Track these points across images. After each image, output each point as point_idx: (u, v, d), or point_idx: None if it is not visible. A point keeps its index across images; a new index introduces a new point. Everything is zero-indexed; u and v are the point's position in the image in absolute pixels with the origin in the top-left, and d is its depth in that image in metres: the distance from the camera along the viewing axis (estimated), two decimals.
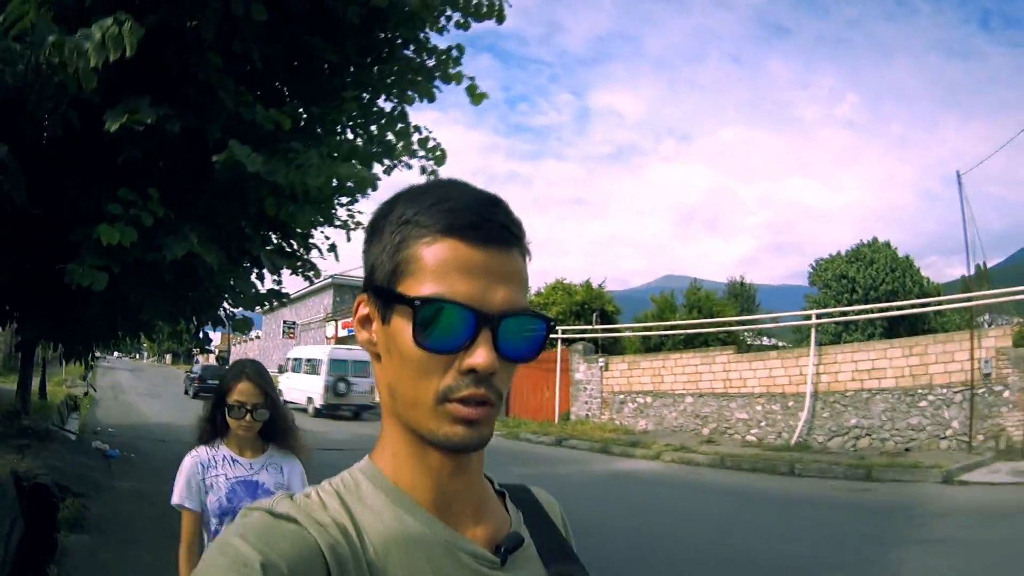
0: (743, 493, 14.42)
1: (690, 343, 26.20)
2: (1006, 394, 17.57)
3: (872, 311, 27.81)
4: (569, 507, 1.28)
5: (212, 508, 3.44)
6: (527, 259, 1.05)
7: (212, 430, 3.58)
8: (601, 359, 26.31)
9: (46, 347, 21.10)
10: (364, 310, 1.05)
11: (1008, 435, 17.35)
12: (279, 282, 9.35)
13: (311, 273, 9.93)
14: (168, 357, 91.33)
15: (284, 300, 9.47)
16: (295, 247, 9.63)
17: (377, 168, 8.48)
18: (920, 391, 18.76)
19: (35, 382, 21.17)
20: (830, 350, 21.51)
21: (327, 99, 7.40)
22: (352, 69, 7.72)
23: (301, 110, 6.97)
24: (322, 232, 9.88)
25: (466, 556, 1.01)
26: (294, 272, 9.81)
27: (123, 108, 5.08)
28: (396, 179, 11.48)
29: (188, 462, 3.51)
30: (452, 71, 8.10)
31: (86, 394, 26.08)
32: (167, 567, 3.44)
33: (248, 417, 3.46)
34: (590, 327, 27.73)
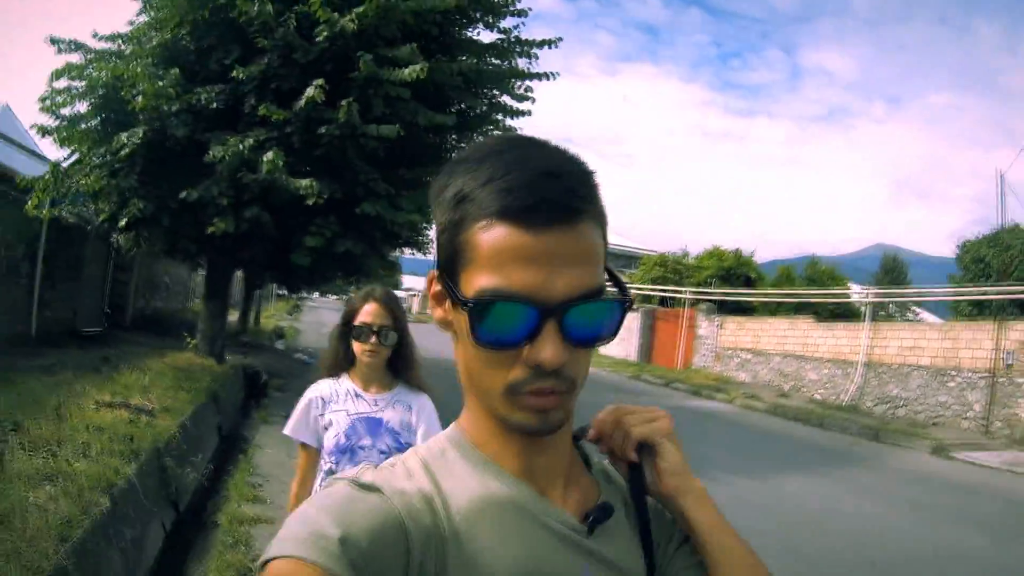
0: (762, 430, 19.06)
1: (803, 309, 31.26)
2: None
3: (926, 293, 32.69)
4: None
5: (329, 446, 3.56)
6: (602, 223, 1.06)
7: (337, 361, 3.72)
8: (717, 318, 32.31)
9: (262, 288, 31.95)
10: (437, 287, 1.10)
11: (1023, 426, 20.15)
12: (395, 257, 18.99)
13: (421, 250, 19.17)
14: None
15: (393, 267, 20.45)
16: (418, 234, 17.93)
17: None
18: (951, 372, 22.54)
19: (251, 316, 31.19)
20: (883, 326, 26.11)
21: (423, 162, 15.01)
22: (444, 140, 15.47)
23: (405, 171, 14.38)
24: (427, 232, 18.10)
25: (554, 523, 1.10)
26: (416, 251, 19.13)
27: (314, 187, 12.41)
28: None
29: (308, 395, 3.70)
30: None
31: (295, 308, 34.99)
32: None
33: (374, 339, 3.53)
34: (718, 291, 33.71)
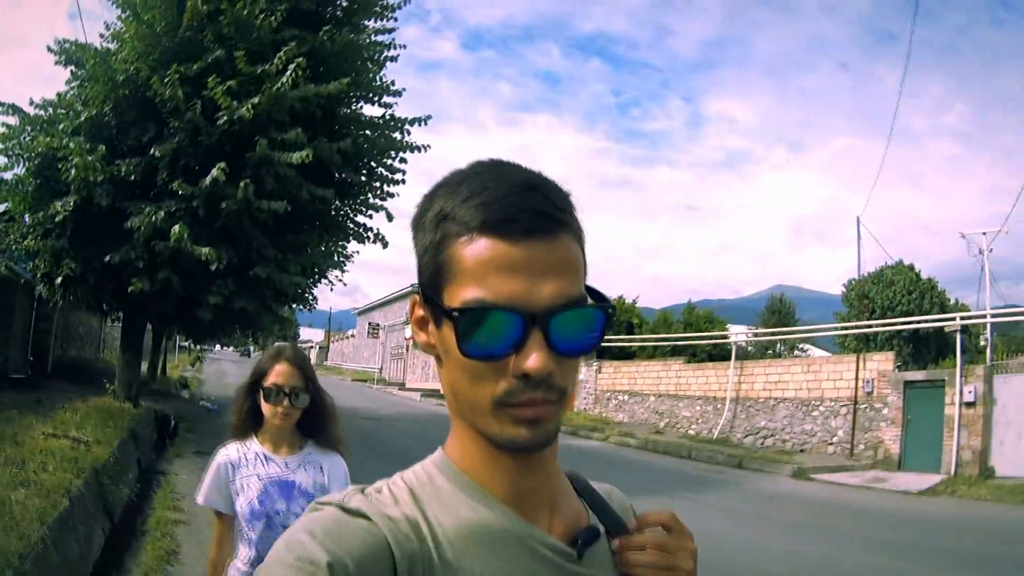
0: (632, 464, 21.27)
1: (680, 352, 33.96)
2: (885, 411, 23.03)
3: (791, 332, 35.69)
4: None
5: (243, 512, 3.51)
6: (580, 238, 1.10)
7: (245, 421, 3.66)
8: (595, 363, 34.78)
9: (169, 339, 34.59)
10: (419, 312, 1.14)
11: (886, 447, 22.62)
12: (282, 315, 21.42)
13: (307, 306, 21.39)
14: None
15: (285, 323, 22.28)
16: (304, 293, 20.28)
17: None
18: (814, 402, 25.28)
19: (159, 366, 33.88)
20: (749, 364, 28.98)
21: (307, 228, 17.77)
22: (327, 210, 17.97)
23: (292, 237, 16.91)
24: (310, 290, 20.69)
25: (543, 548, 1.11)
26: (304, 308, 21.30)
27: (214, 254, 14.82)
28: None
29: (216, 462, 3.62)
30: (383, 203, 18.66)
31: (198, 360, 37.13)
32: None
33: (286, 402, 3.49)
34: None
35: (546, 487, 1.17)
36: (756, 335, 37.39)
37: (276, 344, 4.17)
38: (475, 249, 1.01)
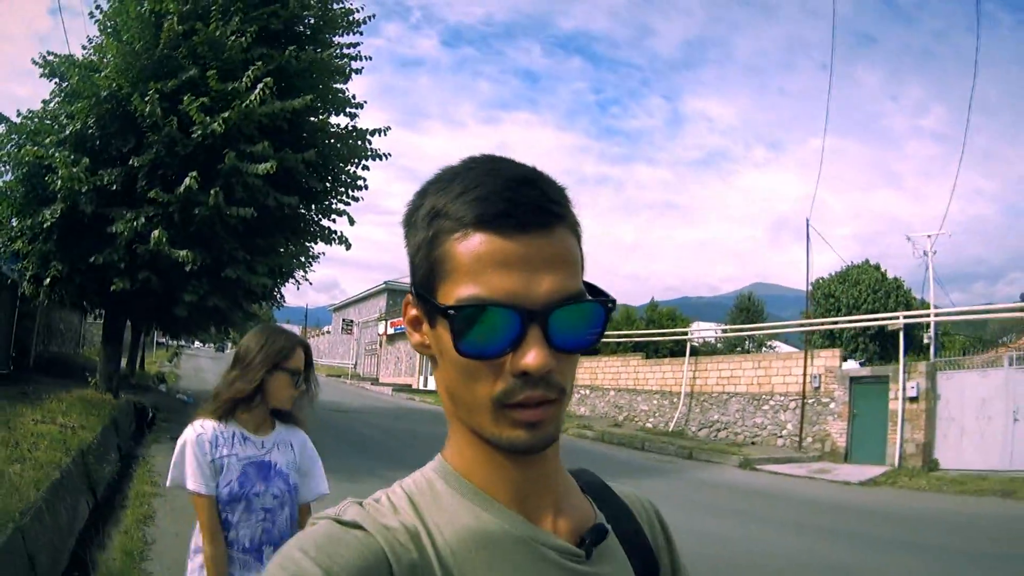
0: (583, 454, 21.30)
1: (642, 348, 35.48)
2: (832, 405, 24.28)
3: (742, 328, 36.83)
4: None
5: (221, 496, 3.38)
6: (578, 232, 1.08)
7: (247, 399, 3.51)
8: None
9: (147, 336, 36.17)
10: (413, 311, 1.11)
11: (832, 440, 23.91)
12: (254, 313, 22.76)
13: (275, 304, 23.13)
14: None
15: (253, 320, 22.98)
16: (272, 292, 21.96)
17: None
18: (764, 397, 26.62)
19: (137, 361, 35.46)
20: (703, 359, 30.39)
21: (274, 232, 19.30)
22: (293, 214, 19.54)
23: (260, 241, 18.48)
24: (278, 289, 22.38)
25: (549, 551, 1.09)
26: (272, 306, 22.88)
27: (190, 256, 16.35)
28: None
29: (192, 438, 3.44)
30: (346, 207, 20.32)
31: (175, 356, 38.41)
32: None
33: (304, 386, 3.58)
34: None
35: (549, 487, 1.15)
36: (725, 332, 38.81)
37: (278, 326, 4.08)
38: (470, 245, 1.00)
